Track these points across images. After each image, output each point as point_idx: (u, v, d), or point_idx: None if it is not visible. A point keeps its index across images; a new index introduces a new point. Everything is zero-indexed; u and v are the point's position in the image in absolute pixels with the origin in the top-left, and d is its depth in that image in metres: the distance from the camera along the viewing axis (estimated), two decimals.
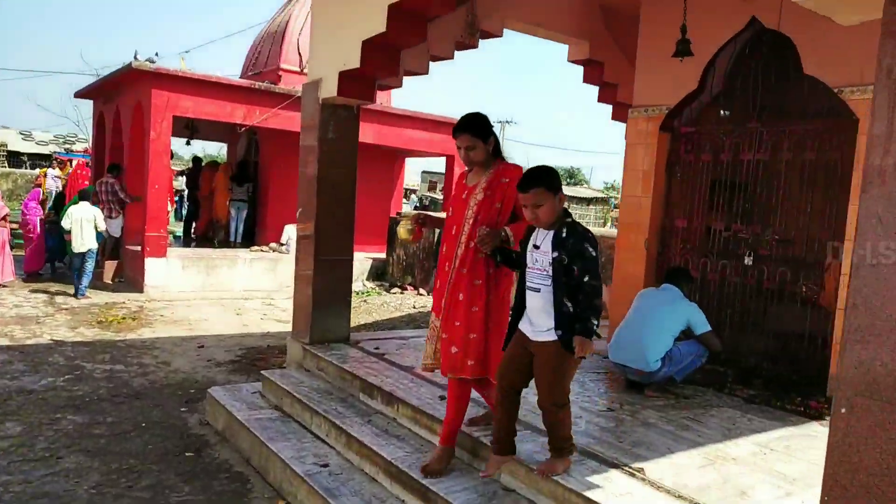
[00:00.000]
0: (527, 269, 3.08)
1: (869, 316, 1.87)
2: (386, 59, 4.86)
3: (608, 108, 7.54)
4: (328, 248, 5.53)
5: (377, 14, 4.48)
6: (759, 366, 5.10)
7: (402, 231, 3.73)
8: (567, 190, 33.86)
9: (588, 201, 40.80)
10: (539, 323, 3.04)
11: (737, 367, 5.19)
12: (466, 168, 3.56)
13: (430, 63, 5.69)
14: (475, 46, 5.89)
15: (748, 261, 5.21)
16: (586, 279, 2.90)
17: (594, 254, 2.95)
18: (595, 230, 6.36)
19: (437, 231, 3.60)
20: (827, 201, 4.75)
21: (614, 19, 6.90)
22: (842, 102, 4.56)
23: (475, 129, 3.36)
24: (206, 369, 6.82)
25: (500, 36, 6.13)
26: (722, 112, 5.69)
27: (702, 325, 4.61)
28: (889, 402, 1.85)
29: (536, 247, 3.02)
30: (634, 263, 5.95)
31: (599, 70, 7.05)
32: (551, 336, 2.99)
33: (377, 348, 5.57)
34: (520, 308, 3.16)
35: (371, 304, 11.38)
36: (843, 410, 2.08)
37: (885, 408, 1.85)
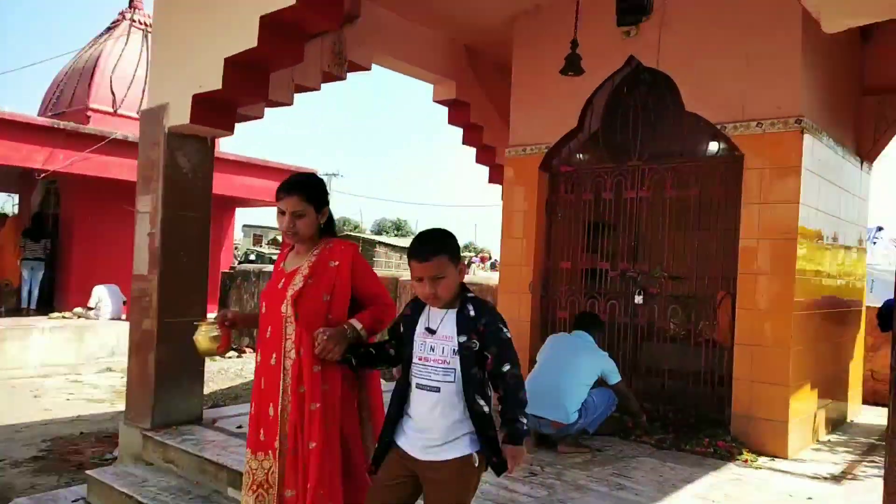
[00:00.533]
0: (415, 364, 2.28)
1: None
2: (254, 80, 4.12)
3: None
4: (176, 307, 4.55)
5: (247, 26, 3.77)
6: (657, 409, 4.92)
7: (203, 340, 2.65)
8: (395, 241, 33.83)
9: None
10: (435, 433, 2.23)
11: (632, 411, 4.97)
12: (288, 246, 2.71)
13: (295, 94, 5.05)
14: (343, 78, 5.34)
15: (638, 300, 5.08)
16: (506, 368, 2.22)
17: (509, 335, 2.28)
18: None
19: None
20: (715, 237, 4.77)
21: (479, 62, 6.76)
22: (725, 139, 4.63)
23: (309, 190, 2.56)
24: None
25: (368, 69, 5.66)
26: (579, 155, 5.65)
27: (616, 376, 4.33)
28: None
29: (431, 331, 2.27)
30: (519, 307, 5.62)
31: (465, 111, 6.82)
32: (457, 450, 2.22)
33: (240, 427, 4.62)
34: (397, 415, 2.34)
35: (206, 371, 10.01)
36: None
37: None
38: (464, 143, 7.27)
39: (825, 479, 3.94)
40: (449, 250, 2.27)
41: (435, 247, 2.26)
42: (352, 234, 34.25)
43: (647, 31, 4.94)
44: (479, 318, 2.25)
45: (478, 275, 20.26)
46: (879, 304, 5.82)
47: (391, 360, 2.44)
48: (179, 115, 4.33)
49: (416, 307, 2.36)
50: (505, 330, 2.27)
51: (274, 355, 2.52)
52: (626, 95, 5.21)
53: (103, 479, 4.12)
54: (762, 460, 4.19)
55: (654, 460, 4.16)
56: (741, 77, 4.53)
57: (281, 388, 2.50)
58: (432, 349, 2.26)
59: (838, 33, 2.22)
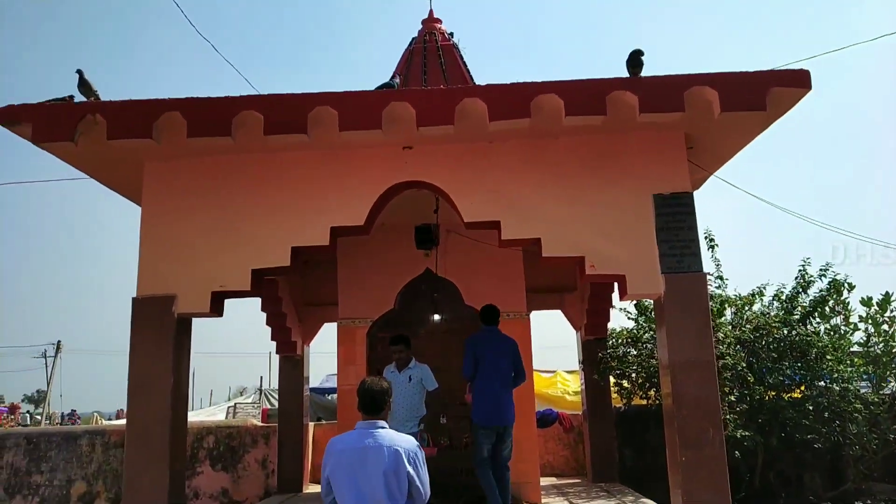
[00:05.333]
0: None
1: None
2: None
3: None
4: None
5: (279, 251, 5.64)
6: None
7: None
8: None
9: None
10: None
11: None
12: None
13: None
14: None
15: (443, 420, 7.95)
16: None
17: None
18: None
19: None
20: None
21: None
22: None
23: None
24: None
25: None
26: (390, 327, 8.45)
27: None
28: None
29: None
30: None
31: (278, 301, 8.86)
32: None
33: None
34: None
35: None
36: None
37: None
38: (267, 324, 9.18)
39: None
40: None
41: None
42: None
43: (437, 253, 8.20)
44: None
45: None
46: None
47: None
48: (188, 304, 5.60)
49: None
50: None
51: None
52: (429, 289, 8.30)
53: None
54: None
55: None
56: (495, 288, 8.11)
57: None
58: None
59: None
